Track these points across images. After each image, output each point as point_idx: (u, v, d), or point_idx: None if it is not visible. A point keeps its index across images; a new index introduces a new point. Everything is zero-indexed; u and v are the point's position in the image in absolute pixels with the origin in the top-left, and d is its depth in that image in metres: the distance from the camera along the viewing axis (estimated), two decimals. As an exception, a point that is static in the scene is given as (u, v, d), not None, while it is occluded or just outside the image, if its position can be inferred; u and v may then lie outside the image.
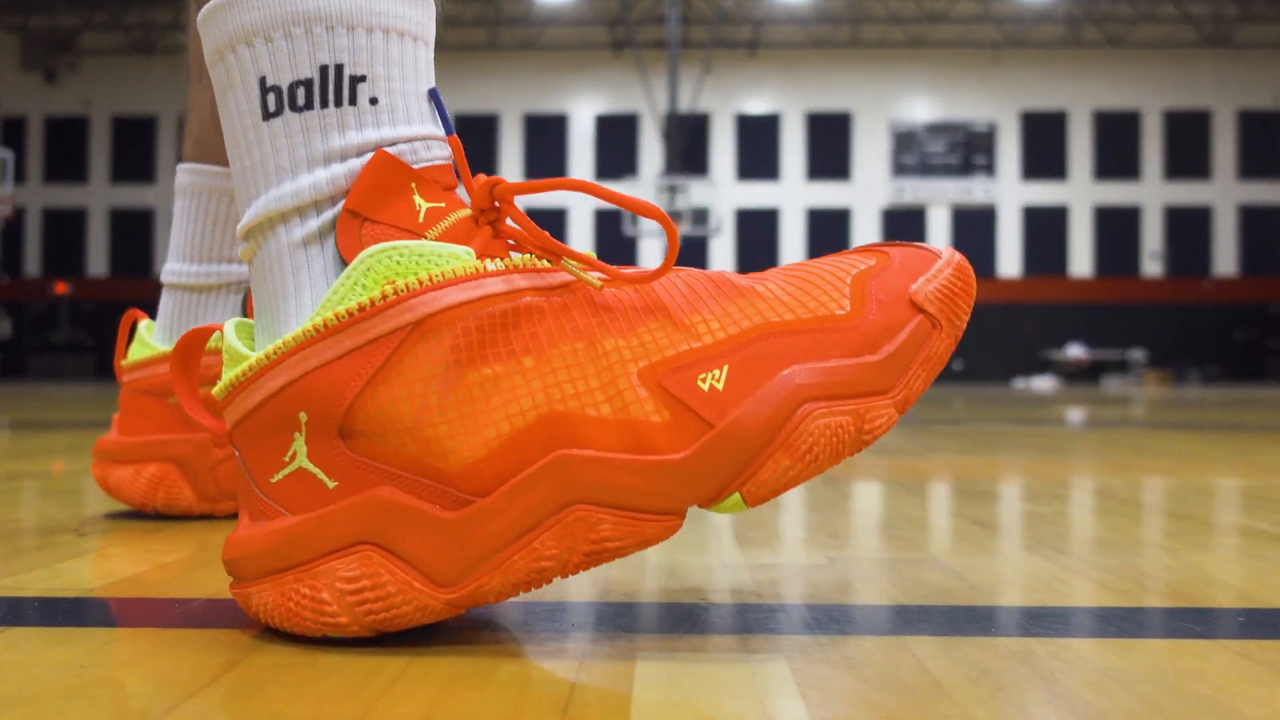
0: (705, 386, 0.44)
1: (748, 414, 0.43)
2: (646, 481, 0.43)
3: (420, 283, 0.43)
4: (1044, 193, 15.54)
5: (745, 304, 0.46)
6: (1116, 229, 15.47)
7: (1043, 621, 0.51)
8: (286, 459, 0.44)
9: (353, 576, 0.43)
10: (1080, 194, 15.53)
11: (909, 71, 15.75)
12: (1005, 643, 0.47)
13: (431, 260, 0.44)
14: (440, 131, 0.48)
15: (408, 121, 0.47)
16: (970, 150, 15.60)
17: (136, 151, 15.69)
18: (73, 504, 0.93)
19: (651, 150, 15.46)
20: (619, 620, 0.51)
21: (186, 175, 0.85)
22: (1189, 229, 15.46)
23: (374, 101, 0.46)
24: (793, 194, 15.62)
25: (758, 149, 15.65)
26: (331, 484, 0.44)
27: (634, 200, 0.44)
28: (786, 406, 0.43)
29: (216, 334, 0.82)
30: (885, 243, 0.50)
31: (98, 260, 15.72)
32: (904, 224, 15.47)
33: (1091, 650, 0.46)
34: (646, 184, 13.66)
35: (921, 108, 15.75)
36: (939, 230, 15.54)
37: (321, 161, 0.45)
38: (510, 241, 0.47)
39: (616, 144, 15.57)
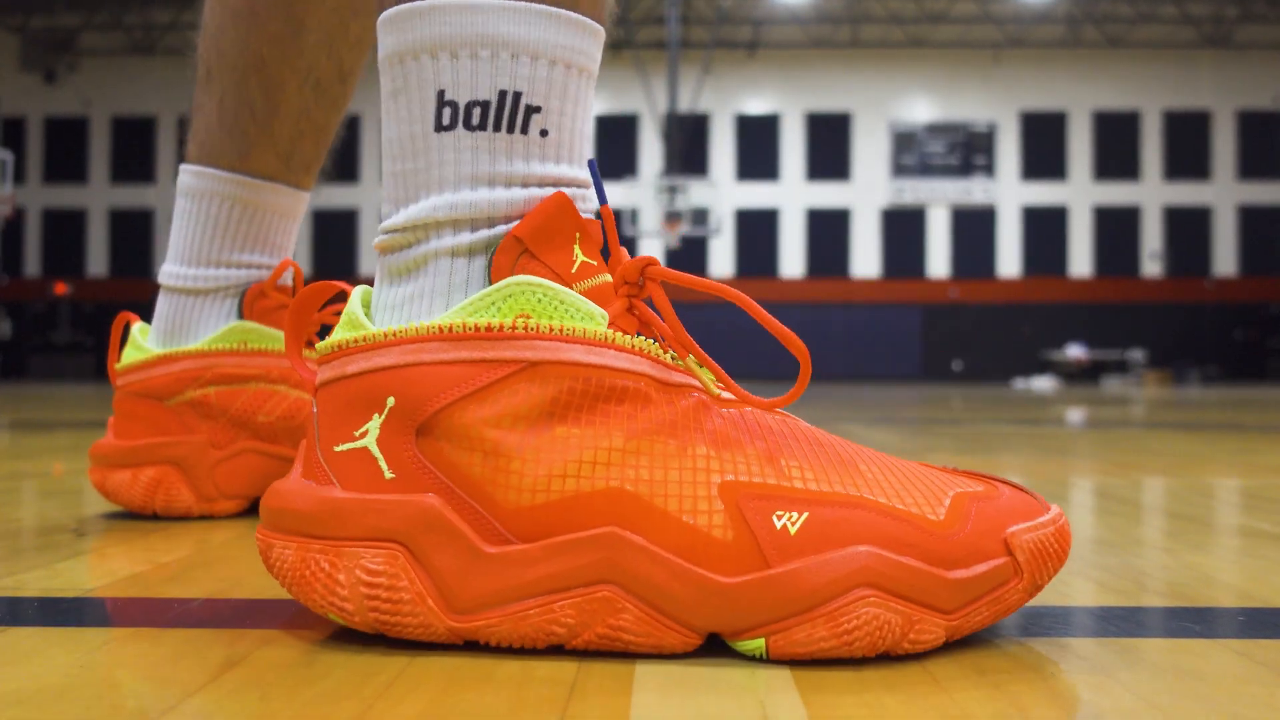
0: (779, 524, 0.43)
1: (807, 570, 0.42)
2: (685, 591, 0.43)
3: (551, 329, 0.44)
4: (1044, 193, 15.54)
5: (844, 472, 0.46)
6: (1116, 229, 15.48)
7: (1042, 621, 0.51)
8: (357, 434, 0.45)
9: (375, 570, 0.43)
10: (1080, 194, 15.53)
11: (909, 72, 15.75)
12: (1004, 642, 0.47)
13: (569, 312, 0.45)
14: (588, 181, 0.49)
15: (570, 161, 0.48)
16: (970, 150, 15.61)
17: (136, 152, 15.69)
18: (72, 504, 0.93)
19: (651, 150, 15.46)
20: (618, 620, 0.51)
21: (189, 177, 0.85)
22: (1189, 229, 15.46)
23: (544, 134, 0.47)
24: (792, 194, 15.62)
25: (757, 149, 15.66)
26: (389, 474, 0.44)
27: (781, 327, 0.45)
28: (846, 580, 0.42)
29: (213, 335, 0.82)
30: (998, 477, 0.50)
31: (97, 261, 15.73)
32: (904, 224, 15.48)
33: (1091, 649, 0.46)
34: (646, 184, 13.66)
35: (921, 108, 15.75)
36: (939, 231, 15.55)
37: (487, 182, 0.46)
38: (641, 322, 0.47)
39: (616, 144, 15.57)
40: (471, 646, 0.45)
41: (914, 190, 15.57)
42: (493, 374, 0.44)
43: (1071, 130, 15.57)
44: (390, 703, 0.38)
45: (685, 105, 14.51)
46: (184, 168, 0.85)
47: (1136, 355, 14.92)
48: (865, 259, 15.60)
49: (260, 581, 0.59)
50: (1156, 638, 0.48)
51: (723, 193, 14.85)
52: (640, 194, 13.48)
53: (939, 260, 15.63)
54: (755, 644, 0.43)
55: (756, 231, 15.55)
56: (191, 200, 0.84)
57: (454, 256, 0.46)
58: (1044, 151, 15.58)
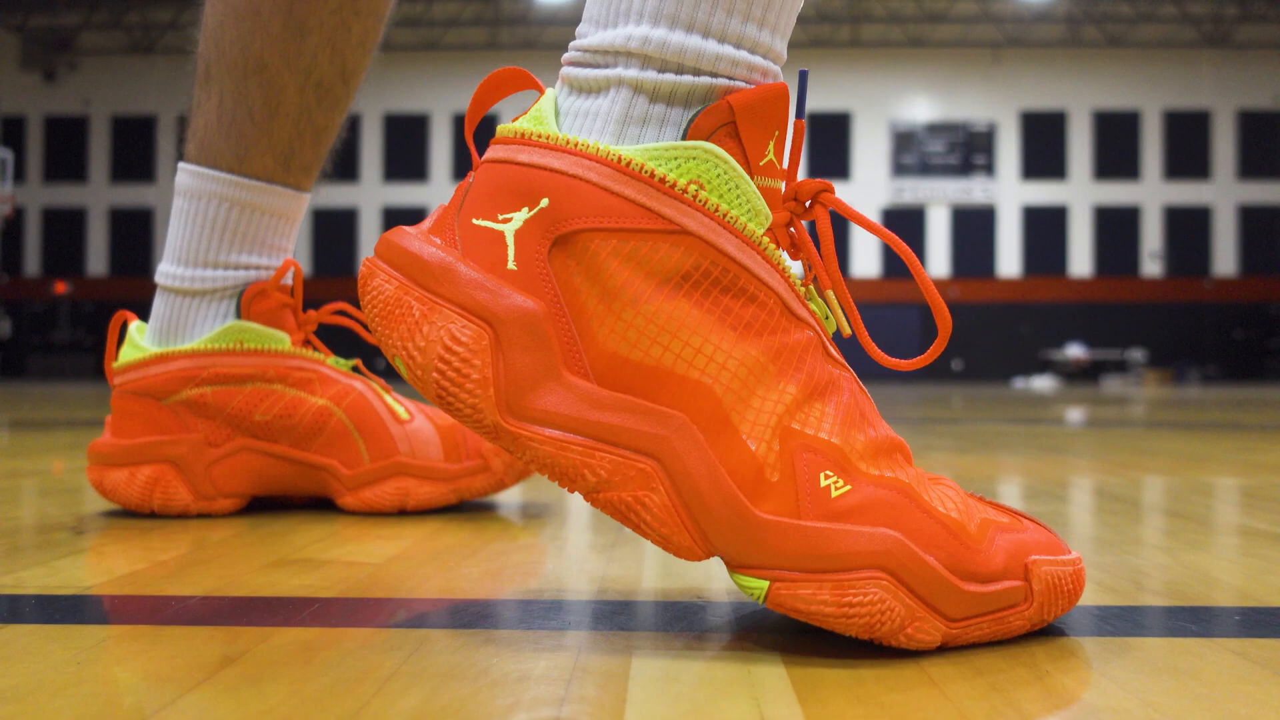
0: (823, 484, 0.44)
1: (833, 534, 0.43)
2: (718, 504, 0.43)
3: (716, 208, 0.45)
4: (1043, 192, 15.54)
5: (909, 472, 0.46)
6: (1116, 229, 15.48)
7: (1039, 620, 0.51)
8: (501, 218, 0.45)
9: (459, 339, 0.44)
10: (1080, 194, 15.53)
11: (909, 71, 15.75)
12: (1001, 641, 0.47)
13: (739, 200, 0.45)
14: (784, 60, 0.49)
15: (773, 30, 0.47)
16: (970, 150, 15.61)
17: (136, 151, 15.69)
18: (70, 502, 0.93)
19: (651, 150, 15.45)
20: (615, 618, 0.51)
21: (187, 177, 0.85)
22: (1188, 229, 15.46)
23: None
24: (792, 194, 15.60)
25: (757, 149, 15.63)
26: (512, 266, 0.45)
27: (935, 293, 0.45)
28: (864, 558, 0.43)
29: (210, 334, 0.82)
30: (1021, 513, 0.50)
31: (97, 260, 15.72)
32: (904, 223, 15.48)
33: (1088, 648, 0.46)
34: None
35: (921, 107, 15.75)
36: (938, 230, 15.55)
37: (687, 27, 0.45)
38: (793, 242, 0.48)
39: (616, 144, 15.55)
40: (466, 643, 0.45)
41: (914, 190, 15.57)
42: (647, 223, 0.44)
43: (1071, 130, 15.57)
44: (387, 699, 0.38)
45: (685, 104, 14.50)
46: (182, 166, 0.85)
47: (1136, 355, 14.92)
48: (865, 258, 15.60)
49: (258, 579, 0.59)
50: (1154, 637, 0.48)
51: (723, 192, 14.83)
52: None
53: (939, 259, 15.63)
54: (758, 584, 0.43)
55: (756, 231, 15.53)
56: (189, 200, 0.84)
57: (639, 91, 0.46)
58: (1044, 151, 15.58)
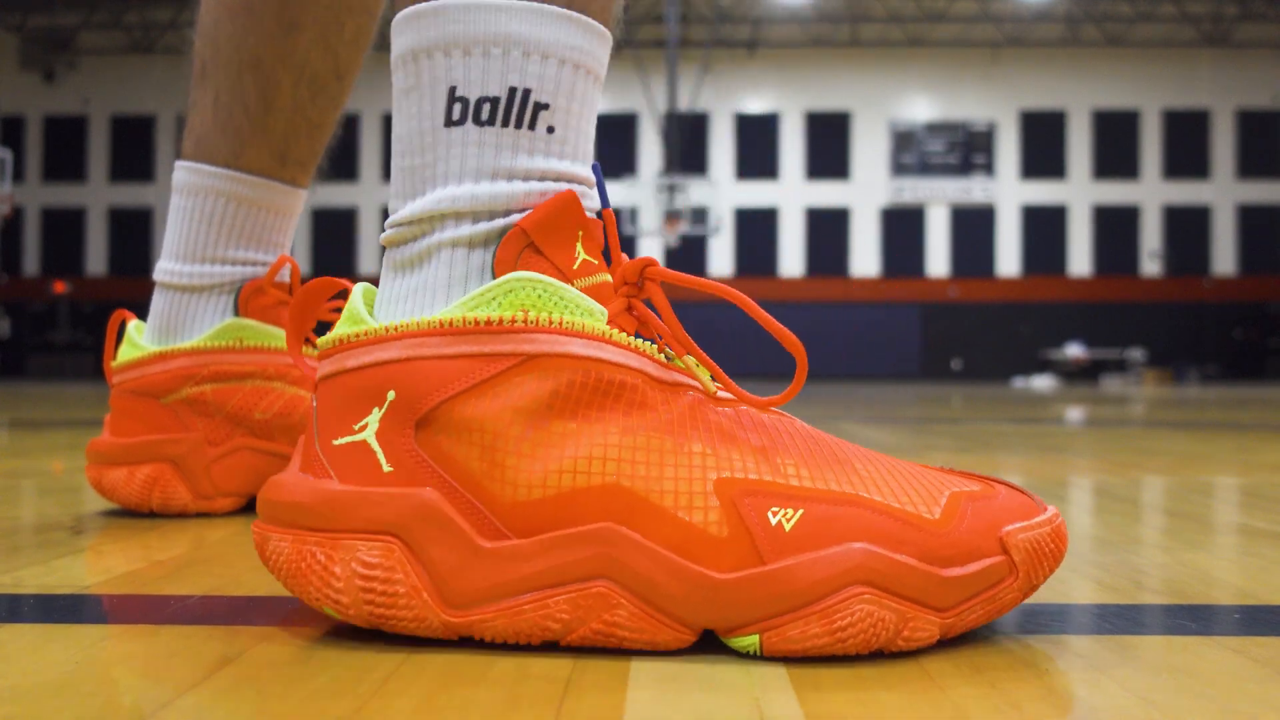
0: (774, 521, 0.43)
1: (802, 566, 0.42)
2: (679, 587, 0.43)
3: (550, 321, 0.44)
4: (1043, 192, 15.54)
5: (840, 470, 0.46)
6: (1115, 228, 15.48)
7: (1039, 618, 0.51)
8: (356, 428, 0.45)
9: (371, 563, 0.43)
10: (1079, 193, 15.53)
11: (908, 71, 15.75)
12: (1001, 639, 0.47)
13: (569, 307, 0.45)
14: (592, 180, 0.49)
15: (574, 158, 0.48)
16: (969, 149, 15.61)
17: (135, 151, 15.69)
18: (69, 502, 0.93)
19: (650, 149, 15.46)
20: (615, 617, 0.51)
21: (185, 174, 0.85)
22: (1188, 228, 15.47)
23: (550, 130, 0.47)
24: (792, 193, 15.62)
25: (757, 148, 15.65)
26: (387, 468, 0.44)
27: (779, 327, 0.45)
28: (841, 578, 0.42)
29: (209, 332, 0.82)
30: (994, 478, 0.49)
31: (96, 259, 15.72)
32: (903, 223, 15.48)
33: (1087, 647, 0.46)
34: (646, 183, 13.66)
35: (921, 107, 15.75)
36: (938, 229, 15.55)
37: (492, 176, 0.46)
38: (639, 322, 0.48)
39: (616, 143, 15.57)
40: (466, 643, 0.45)
41: (913, 189, 15.57)
42: (492, 368, 0.44)
43: (1071, 129, 15.57)
44: (385, 699, 0.38)
45: (684, 104, 14.51)
46: (179, 164, 0.85)
47: (1136, 354, 14.92)
48: (864, 258, 15.60)
49: (256, 579, 0.59)
50: (1153, 635, 0.48)
51: (722, 192, 14.84)
52: (639, 193, 13.47)
53: (938, 259, 15.63)
54: (749, 640, 0.43)
55: (756, 230, 15.54)
56: (186, 197, 0.84)
57: (455, 248, 0.46)
58: (1043, 150, 15.58)
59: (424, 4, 0.47)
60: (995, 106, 15.66)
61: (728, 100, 15.63)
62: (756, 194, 15.58)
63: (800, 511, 0.43)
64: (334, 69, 0.85)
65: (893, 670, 0.42)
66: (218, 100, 0.83)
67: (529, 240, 0.46)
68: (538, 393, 0.44)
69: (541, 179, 0.47)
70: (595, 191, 0.49)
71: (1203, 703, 0.38)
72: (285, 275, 0.86)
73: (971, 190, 15.55)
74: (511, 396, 0.44)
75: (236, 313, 0.84)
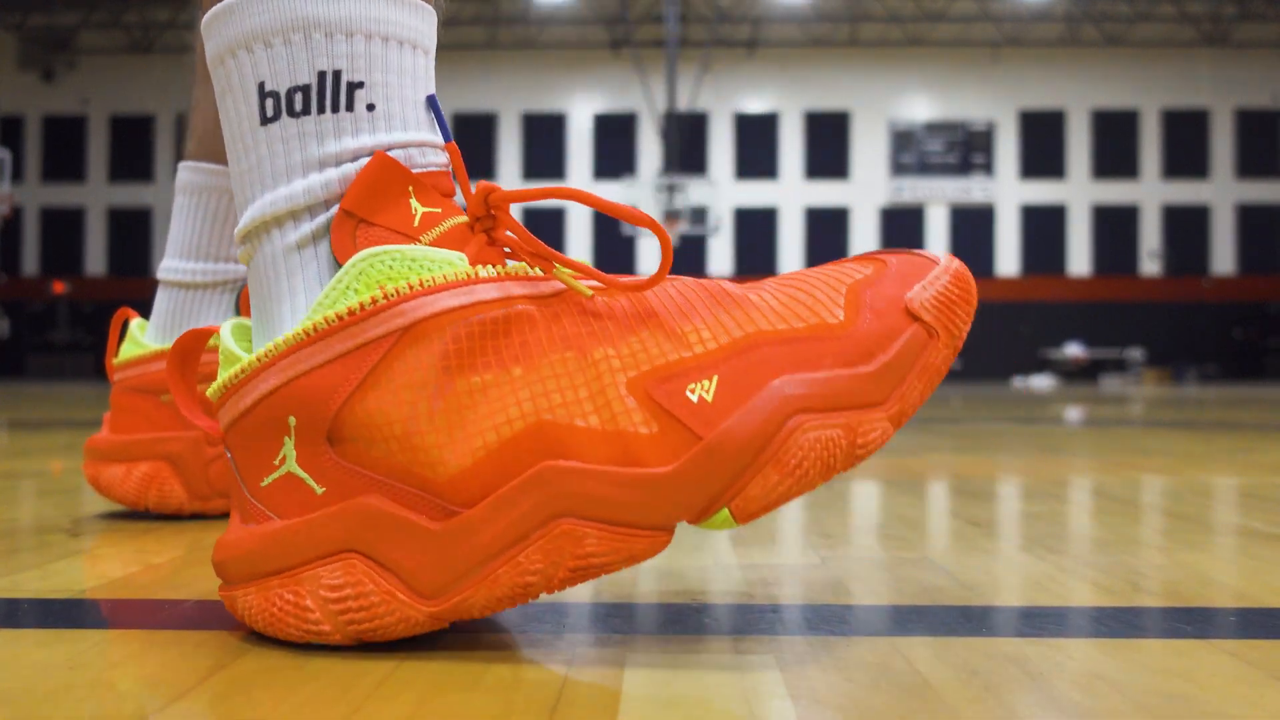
0: (694, 397, 0.43)
1: (736, 426, 0.42)
2: (633, 495, 0.42)
3: (411, 287, 0.43)
4: (1042, 192, 15.54)
5: (739, 312, 0.45)
6: (1115, 228, 15.48)
7: (1035, 622, 0.51)
8: (276, 463, 0.44)
9: (336, 584, 0.43)
10: (1079, 193, 15.53)
11: (908, 70, 15.75)
12: (997, 643, 0.47)
13: (424, 265, 0.43)
14: (439, 139, 0.48)
15: (404, 128, 0.47)
16: (969, 149, 15.61)
17: (135, 150, 15.68)
18: (67, 503, 0.93)
19: (650, 149, 15.46)
20: (610, 621, 0.51)
21: (187, 173, 0.85)
22: (1187, 228, 15.47)
23: (371, 108, 0.46)
24: (791, 193, 15.62)
25: (756, 148, 15.65)
26: (320, 490, 0.43)
27: (626, 209, 0.44)
28: (776, 418, 0.42)
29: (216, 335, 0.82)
30: (884, 250, 0.49)
31: (96, 259, 15.72)
32: (902, 223, 15.48)
33: (1083, 650, 0.46)
34: (645, 183, 13.66)
35: (920, 107, 15.75)
36: (938, 229, 15.55)
37: (317, 166, 0.45)
38: (505, 250, 0.46)
39: (615, 143, 15.57)
40: (459, 649, 0.45)
41: (913, 189, 15.57)
42: (373, 355, 0.43)
43: (1070, 129, 15.57)
44: (378, 705, 0.37)
45: (684, 104, 14.51)
46: (183, 165, 0.86)
47: (1135, 354, 14.92)
48: (863, 244, 15.58)
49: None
50: (1150, 638, 0.48)
51: (721, 191, 14.84)
52: (639, 193, 13.47)
53: (938, 259, 15.62)
54: (721, 516, 0.43)
55: (755, 230, 15.54)
56: (190, 196, 0.85)
57: (300, 249, 0.45)
58: (1043, 150, 15.58)
59: (218, 5, 0.46)
60: (994, 106, 15.66)
61: (727, 100, 15.62)
62: (756, 194, 15.57)
63: (715, 378, 0.43)
64: None
65: (889, 677, 0.42)
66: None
67: (357, 218, 0.44)
68: (428, 361, 0.43)
69: (365, 156, 0.45)
70: (435, 147, 0.47)
71: (1198, 707, 0.38)
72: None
73: (971, 190, 15.55)
74: (405, 376, 0.43)
75: (239, 311, 0.84)
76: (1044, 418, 3.18)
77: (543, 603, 0.55)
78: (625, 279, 0.46)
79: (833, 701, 0.38)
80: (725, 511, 0.43)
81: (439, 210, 0.46)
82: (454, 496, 0.43)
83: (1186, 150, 15.47)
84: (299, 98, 0.45)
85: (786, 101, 15.70)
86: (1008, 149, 15.62)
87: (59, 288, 15.60)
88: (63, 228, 15.74)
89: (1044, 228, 15.52)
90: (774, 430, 0.42)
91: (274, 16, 0.45)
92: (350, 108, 0.45)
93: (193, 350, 0.49)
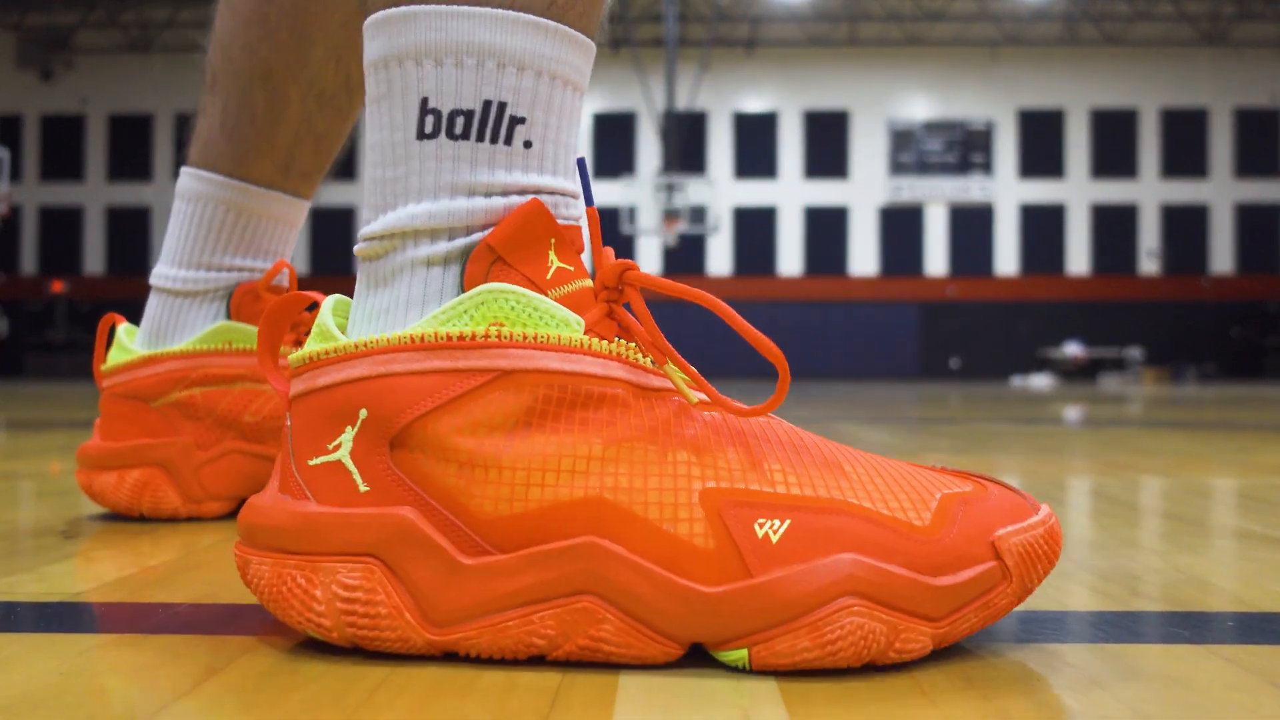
0: (760, 533, 0.42)
1: (790, 580, 0.42)
2: (666, 602, 0.42)
3: (525, 336, 0.43)
4: (1041, 191, 15.55)
5: (829, 475, 0.45)
6: (1114, 227, 15.49)
7: (1032, 626, 0.51)
8: (330, 447, 0.44)
9: (351, 585, 0.43)
10: (1077, 192, 15.54)
11: (907, 70, 15.75)
12: (994, 650, 0.46)
13: (544, 318, 0.44)
14: (578, 189, 0.48)
15: (554, 172, 0.47)
16: (968, 148, 15.61)
17: (133, 150, 15.68)
18: (63, 505, 0.93)
19: (649, 148, 15.46)
20: (606, 625, 0.50)
21: (188, 180, 0.85)
22: (1186, 227, 15.48)
23: (528, 145, 0.46)
24: (790, 192, 15.62)
25: (755, 147, 15.65)
26: (364, 488, 0.44)
27: (759, 336, 0.44)
28: (830, 590, 0.42)
29: (198, 335, 0.82)
30: (985, 475, 0.49)
31: (94, 258, 15.71)
32: (902, 222, 15.48)
33: (1080, 656, 0.45)
34: (644, 182, 13.66)
35: (919, 106, 15.75)
36: (936, 228, 15.55)
37: (466, 192, 0.45)
38: (620, 326, 0.47)
39: (614, 142, 15.57)
40: (453, 655, 0.45)
41: (912, 188, 15.57)
42: (466, 384, 0.43)
43: (1069, 128, 15.58)
44: (372, 711, 0.37)
45: (683, 103, 14.51)
46: (184, 170, 0.85)
47: (1134, 353, 14.93)
48: (863, 257, 15.60)
49: (245, 587, 0.59)
50: (1147, 644, 0.48)
51: (721, 191, 14.84)
52: (638, 192, 13.47)
53: (937, 258, 15.63)
54: (738, 654, 0.42)
55: (754, 230, 15.54)
56: (187, 203, 0.84)
57: (429, 266, 0.46)
58: (1042, 149, 15.58)
59: (394, 9, 0.46)
60: (993, 105, 15.66)
61: (726, 99, 15.62)
62: (755, 193, 15.57)
63: (787, 522, 0.43)
64: (345, 84, 0.85)
65: (884, 683, 0.41)
66: (226, 109, 0.83)
67: (496, 255, 0.45)
68: (514, 408, 0.43)
69: (519, 194, 0.46)
70: (578, 199, 0.48)
71: (1195, 714, 0.38)
72: (283, 280, 0.86)
73: (970, 189, 15.55)
74: (487, 412, 0.43)
75: (229, 317, 0.84)
76: (1043, 418, 3.18)
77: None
78: (734, 403, 0.46)
79: (827, 706, 0.38)
80: (745, 652, 0.42)
81: (571, 269, 0.47)
82: (491, 537, 0.43)
83: (1185, 149, 15.48)
84: (460, 121, 0.45)
85: (785, 101, 15.70)
86: (1007, 148, 15.62)
87: (57, 287, 15.60)
88: (61, 227, 15.73)
89: (1043, 227, 15.53)
90: (824, 600, 0.42)
91: (451, 36, 0.45)
92: (509, 141, 0.46)
93: (287, 312, 0.49)
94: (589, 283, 0.47)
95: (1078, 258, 15.58)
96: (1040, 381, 11.91)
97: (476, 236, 0.46)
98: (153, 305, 0.85)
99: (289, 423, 0.47)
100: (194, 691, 0.40)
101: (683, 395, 0.46)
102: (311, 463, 0.45)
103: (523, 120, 0.46)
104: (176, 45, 15.20)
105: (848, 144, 15.68)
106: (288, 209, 0.87)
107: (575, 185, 0.49)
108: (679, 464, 0.44)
